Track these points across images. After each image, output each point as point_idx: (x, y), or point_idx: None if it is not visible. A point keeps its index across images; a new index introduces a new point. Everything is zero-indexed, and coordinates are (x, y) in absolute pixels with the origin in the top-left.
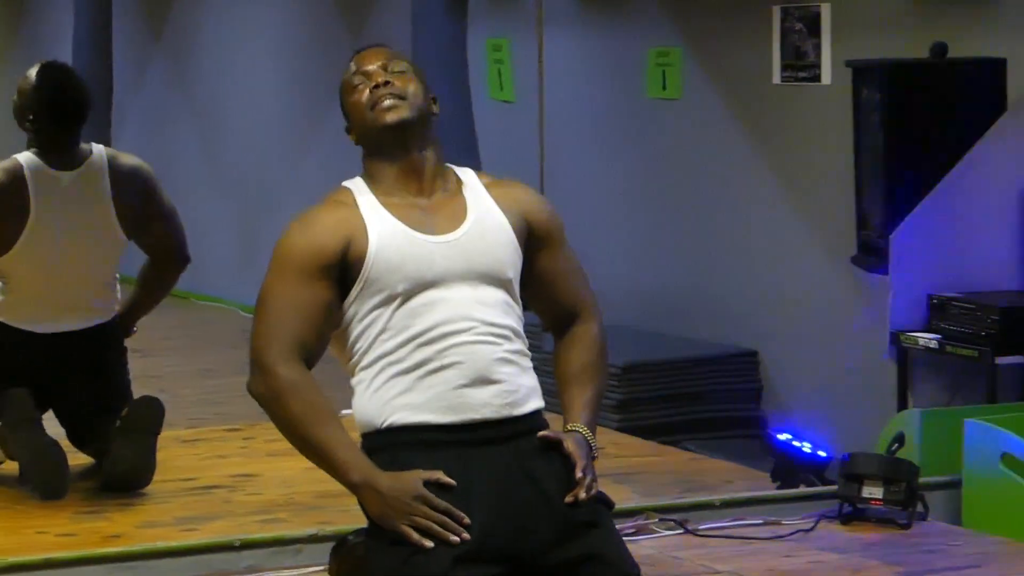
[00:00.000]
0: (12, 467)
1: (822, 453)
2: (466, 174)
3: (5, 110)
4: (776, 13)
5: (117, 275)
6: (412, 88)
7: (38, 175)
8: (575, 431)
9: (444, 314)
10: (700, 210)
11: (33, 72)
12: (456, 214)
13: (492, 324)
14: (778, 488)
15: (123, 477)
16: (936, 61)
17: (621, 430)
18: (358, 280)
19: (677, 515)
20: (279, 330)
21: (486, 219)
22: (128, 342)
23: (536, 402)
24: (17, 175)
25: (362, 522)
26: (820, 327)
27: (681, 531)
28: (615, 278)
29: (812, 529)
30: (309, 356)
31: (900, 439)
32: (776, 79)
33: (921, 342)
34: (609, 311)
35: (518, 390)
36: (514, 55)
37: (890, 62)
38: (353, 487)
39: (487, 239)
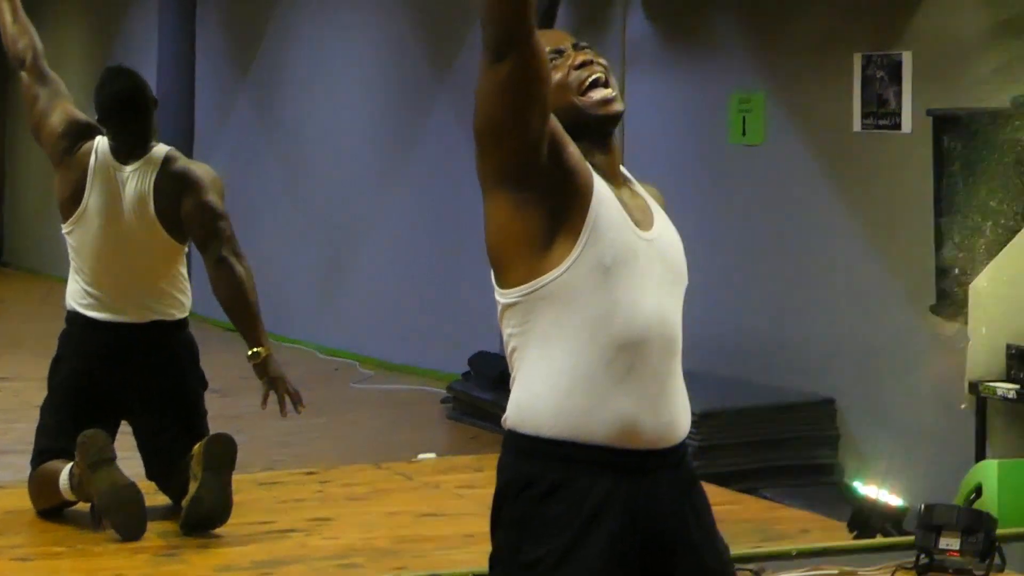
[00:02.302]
0: (84, 506)
1: (900, 503)
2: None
3: None
4: (858, 60)
5: (180, 282)
6: (609, 71)
7: (102, 158)
8: None
9: (642, 311)
10: (779, 256)
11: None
12: (646, 213)
13: (673, 336)
14: (855, 537)
15: (205, 517)
16: (1018, 111)
17: (698, 477)
18: (584, 226)
19: (753, 564)
20: None
21: (669, 228)
22: (208, 380)
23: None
24: (90, 147)
25: (440, 567)
26: (898, 375)
27: None
28: (694, 323)
29: None
30: None
31: (978, 490)
32: (857, 126)
33: (999, 392)
34: (687, 356)
35: (681, 416)
36: None
37: (971, 111)
38: None
39: (676, 246)
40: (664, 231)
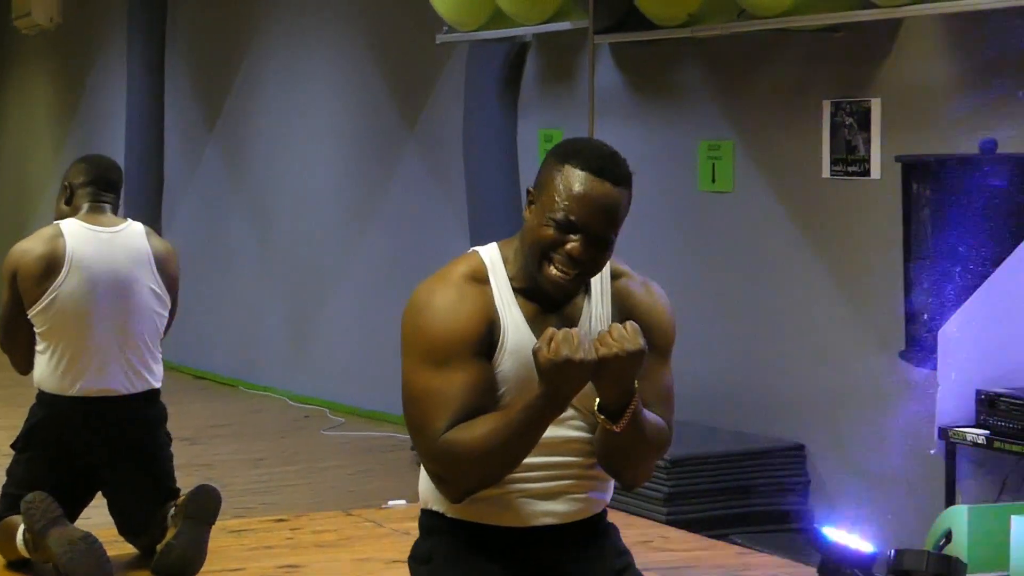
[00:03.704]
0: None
1: (869, 548)
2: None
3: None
4: (826, 107)
5: (159, 350)
6: (600, 264)
7: (77, 231)
8: None
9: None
10: (748, 303)
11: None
12: (573, 326)
13: (577, 439)
14: None
15: (175, 565)
16: (986, 157)
17: (668, 523)
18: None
19: None
20: (443, 420)
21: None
22: (176, 429)
23: (600, 505)
24: (56, 234)
25: None
26: (868, 421)
27: None
28: None
29: None
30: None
31: (948, 535)
32: (826, 173)
33: (969, 437)
34: None
35: (589, 497)
36: None
37: (940, 157)
38: (551, 398)
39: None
40: None
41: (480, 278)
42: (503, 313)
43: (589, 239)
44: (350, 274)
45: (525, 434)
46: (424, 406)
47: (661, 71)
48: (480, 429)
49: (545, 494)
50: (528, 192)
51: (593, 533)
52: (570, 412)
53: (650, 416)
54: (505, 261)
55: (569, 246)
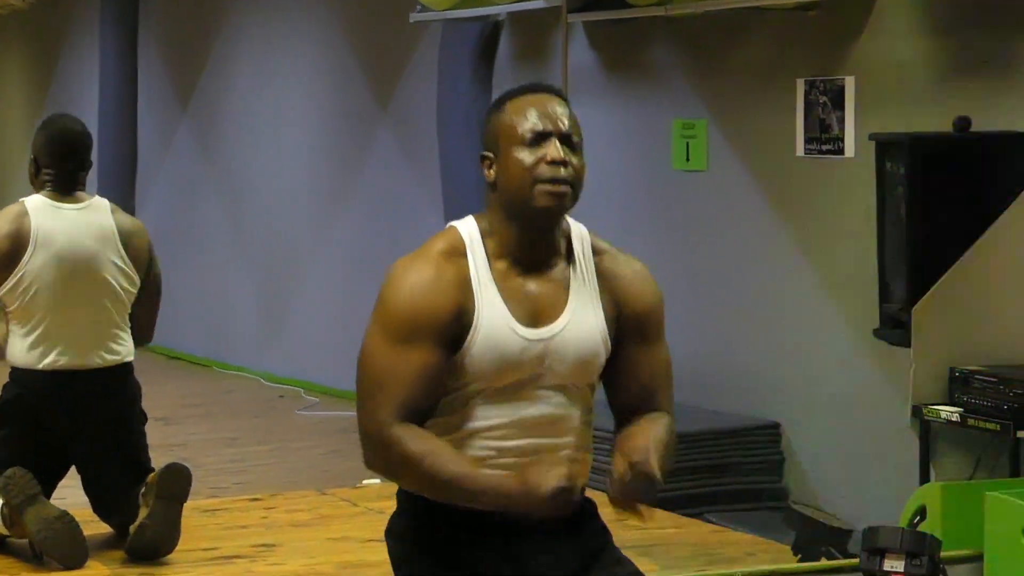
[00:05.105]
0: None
1: (844, 526)
2: (582, 240)
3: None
4: (800, 86)
5: (127, 323)
6: (580, 170)
7: (41, 206)
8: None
9: (516, 412)
10: (722, 282)
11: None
12: (557, 300)
13: (557, 416)
14: (799, 561)
15: (149, 545)
16: (960, 135)
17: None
18: (461, 349)
19: None
20: (391, 398)
21: (583, 312)
22: (150, 409)
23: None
24: (19, 209)
25: None
26: (842, 399)
27: None
28: None
29: None
30: (422, 418)
31: (922, 512)
32: (800, 152)
33: (943, 415)
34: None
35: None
36: None
37: (914, 136)
38: (500, 506)
39: (581, 337)
40: (569, 324)
41: (458, 252)
42: (478, 289)
43: (561, 140)
44: (324, 253)
45: (470, 497)
46: (376, 381)
47: (635, 50)
48: (432, 455)
49: None
50: (483, 158)
51: (573, 514)
52: (553, 391)
53: (661, 433)
54: (484, 234)
55: (548, 153)
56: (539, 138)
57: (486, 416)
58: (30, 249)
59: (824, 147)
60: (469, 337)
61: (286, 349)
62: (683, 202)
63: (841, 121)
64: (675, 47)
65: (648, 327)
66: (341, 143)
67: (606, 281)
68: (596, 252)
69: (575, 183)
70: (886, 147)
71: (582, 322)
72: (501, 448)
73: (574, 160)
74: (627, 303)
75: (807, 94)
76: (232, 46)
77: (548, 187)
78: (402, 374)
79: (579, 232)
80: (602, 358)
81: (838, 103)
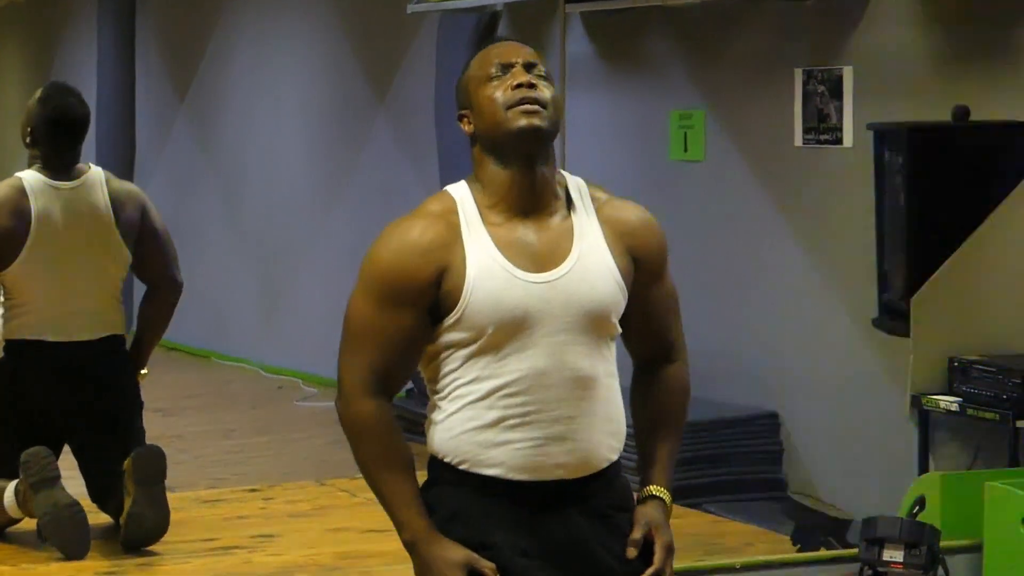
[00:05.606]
0: (30, 524)
1: (843, 516)
2: (580, 189)
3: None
4: (798, 76)
5: (121, 296)
6: (552, 95)
7: (38, 186)
8: (657, 497)
9: (531, 363)
10: (720, 272)
11: (38, 91)
12: (560, 246)
13: (580, 375)
14: (799, 550)
15: (142, 532)
16: (958, 124)
17: None
18: (452, 313)
19: None
20: (363, 357)
21: (591, 256)
22: (149, 400)
23: (611, 454)
24: (18, 188)
25: None
26: (841, 389)
27: None
28: None
29: None
30: (394, 384)
31: (921, 502)
32: (798, 142)
33: (942, 405)
34: (627, 373)
35: (597, 447)
36: None
37: (912, 125)
38: (404, 543)
39: (590, 280)
40: (576, 266)
41: (449, 210)
42: (468, 242)
43: (526, 68)
44: (322, 244)
45: (382, 504)
46: (352, 335)
47: (632, 41)
48: (382, 459)
49: (555, 438)
50: (460, 117)
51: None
52: (569, 342)
53: (673, 447)
54: (474, 189)
55: (515, 80)
56: (503, 70)
57: (500, 373)
58: (32, 228)
59: (822, 137)
60: (465, 289)
61: (284, 340)
62: (680, 193)
63: (839, 111)
64: (673, 37)
65: (659, 266)
66: (339, 135)
67: (612, 228)
68: (595, 199)
69: (547, 105)
70: (885, 137)
71: (590, 266)
72: (525, 412)
73: (542, 83)
74: (639, 250)
75: (805, 84)
76: (230, 38)
77: (520, 107)
78: (377, 336)
79: (576, 183)
80: (621, 305)
81: (836, 93)
